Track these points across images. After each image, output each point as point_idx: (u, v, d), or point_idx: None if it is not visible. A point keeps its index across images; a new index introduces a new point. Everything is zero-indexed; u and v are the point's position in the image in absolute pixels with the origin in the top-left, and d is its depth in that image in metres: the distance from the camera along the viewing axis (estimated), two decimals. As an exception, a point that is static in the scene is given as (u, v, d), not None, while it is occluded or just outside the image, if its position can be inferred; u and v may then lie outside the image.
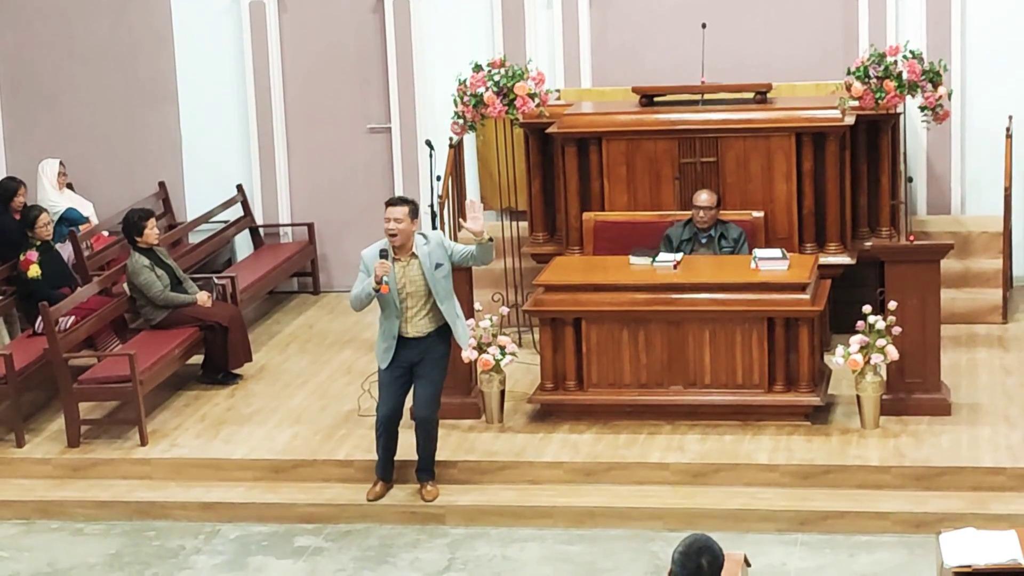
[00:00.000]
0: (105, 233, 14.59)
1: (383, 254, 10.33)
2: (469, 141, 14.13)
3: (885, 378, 11.18)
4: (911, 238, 11.93)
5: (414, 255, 10.49)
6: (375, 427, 10.81)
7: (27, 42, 15.51)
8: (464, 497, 10.80)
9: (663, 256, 11.82)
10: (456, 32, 14.70)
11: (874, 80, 12.34)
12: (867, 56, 12.50)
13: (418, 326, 10.53)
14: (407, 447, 10.82)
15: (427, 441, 10.77)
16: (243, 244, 15.47)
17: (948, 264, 12.22)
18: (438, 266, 10.50)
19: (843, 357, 11.10)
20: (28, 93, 15.57)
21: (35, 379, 12.13)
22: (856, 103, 12.40)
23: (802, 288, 11.32)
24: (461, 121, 12.87)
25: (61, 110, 15.55)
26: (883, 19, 13.93)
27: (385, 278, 10.28)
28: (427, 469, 10.83)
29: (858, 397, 11.18)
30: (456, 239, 12.66)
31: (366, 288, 10.40)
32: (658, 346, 11.39)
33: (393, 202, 10.49)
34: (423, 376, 10.62)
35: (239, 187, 15.31)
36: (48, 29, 15.45)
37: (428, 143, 13.92)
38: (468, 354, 11.31)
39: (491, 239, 10.50)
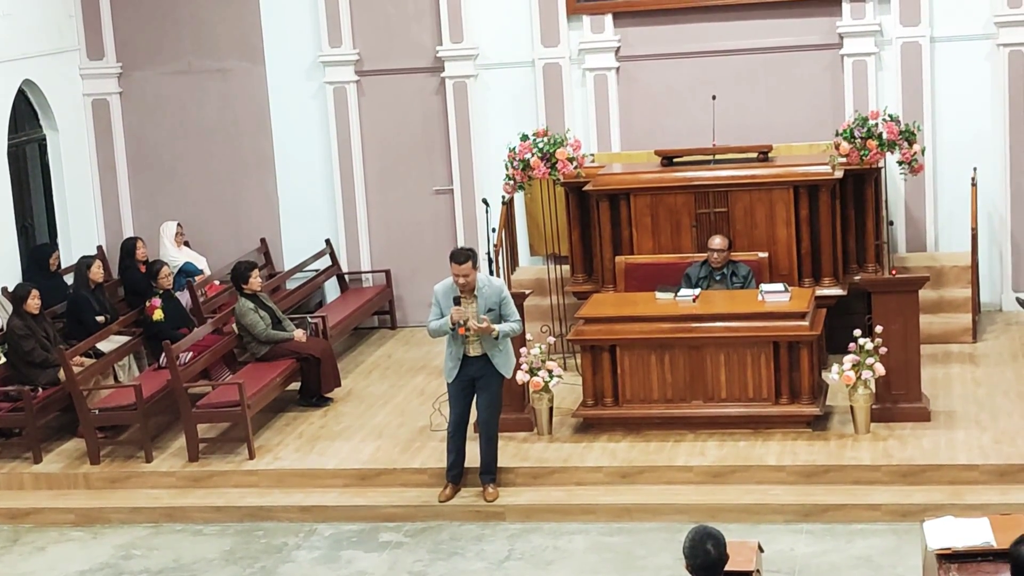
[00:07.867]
0: (216, 282, 14.65)
1: (456, 301, 10.41)
2: (518, 199, 14.15)
3: (874, 390, 11.12)
4: (893, 272, 11.86)
5: (476, 296, 10.55)
6: (447, 433, 10.83)
7: (149, 125, 15.62)
8: (521, 497, 10.79)
9: (684, 291, 11.81)
10: (506, 108, 14.72)
11: (859, 140, 12.33)
12: (852, 120, 12.50)
13: (477, 348, 10.58)
14: (474, 457, 10.83)
15: (488, 445, 10.76)
16: (331, 288, 15.50)
17: (925, 294, 12.17)
18: (489, 310, 10.56)
19: (838, 373, 11.05)
20: (151, 167, 15.67)
21: (160, 405, 12.20)
22: (844, 160, 12.39)
23: (802, 316, 11.28)
24: (511, 182, 12.91)
25: (178, 180, 15.65)
26: (865, 88, 13.90)
27: (460, 320, 10.37)
28: (489, 472, 10.81)
29: (851, 407, 11.12)
30: (509, 279, 12.66)
31: (444, 326, 10.48)
32: (681, 367, 11.37)
33: (459, 259, 10.44)
34: (483, 389, 10.65)
35: (327, 241, 15.36)
36: (166, 114, 15.56)
37: (484, 201, 13.96)
38: (521, 376, 11.33)
39: (507, 334, 10.56)
